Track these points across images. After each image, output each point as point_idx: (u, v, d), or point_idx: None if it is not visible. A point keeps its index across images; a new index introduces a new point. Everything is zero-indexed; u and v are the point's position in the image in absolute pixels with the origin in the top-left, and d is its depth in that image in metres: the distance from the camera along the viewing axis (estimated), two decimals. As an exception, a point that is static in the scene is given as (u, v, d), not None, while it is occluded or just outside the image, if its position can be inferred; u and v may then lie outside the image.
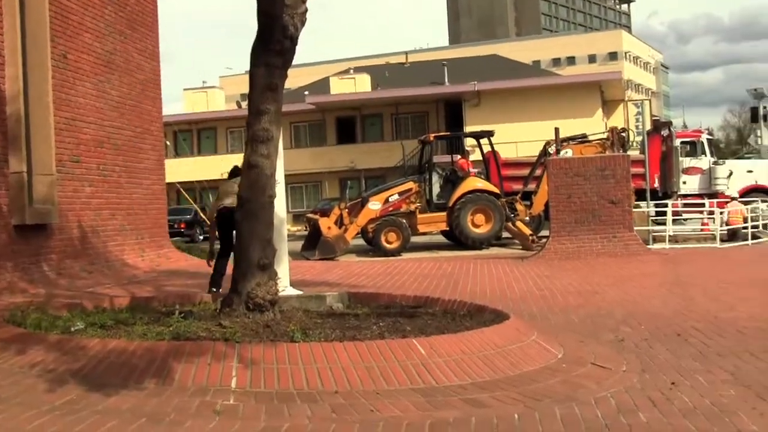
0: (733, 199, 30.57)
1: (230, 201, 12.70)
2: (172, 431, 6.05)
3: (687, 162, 34.93)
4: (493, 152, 30.64)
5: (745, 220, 28.36)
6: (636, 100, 47.97)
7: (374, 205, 27.86)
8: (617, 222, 21.53)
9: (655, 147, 32.67)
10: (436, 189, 29.00)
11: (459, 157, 30.97)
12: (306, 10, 9.38)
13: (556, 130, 30.14)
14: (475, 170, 30.19)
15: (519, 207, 29.10)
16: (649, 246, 24.32)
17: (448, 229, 28.75)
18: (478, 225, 27.90)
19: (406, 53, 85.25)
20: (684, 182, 34.49)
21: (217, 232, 13.79)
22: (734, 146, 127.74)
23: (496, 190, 28.60)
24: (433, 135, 31.82)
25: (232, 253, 10.39)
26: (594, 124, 47.83)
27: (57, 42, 16.45)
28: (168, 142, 29.78)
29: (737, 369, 8.14)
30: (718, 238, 26.83)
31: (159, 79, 21.98)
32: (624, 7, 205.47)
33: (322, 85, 64.45)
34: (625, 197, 21.68)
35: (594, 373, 8.02)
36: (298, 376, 7.10)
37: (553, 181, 21.98)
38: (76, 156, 17.27)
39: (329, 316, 9.69)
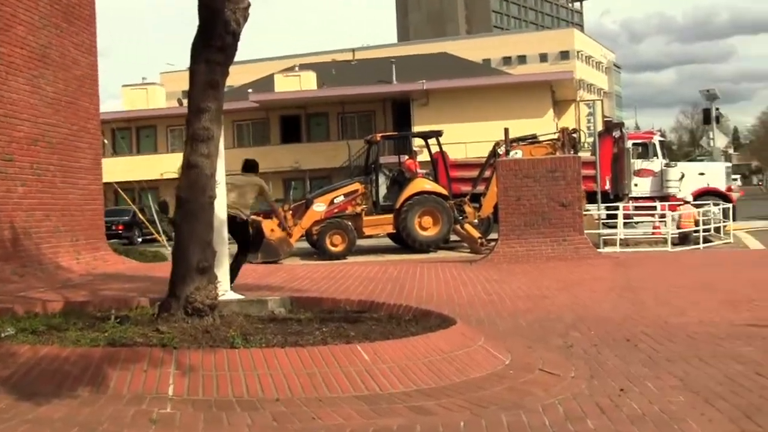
0: (686, 202, 30.93)
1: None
2: (106, 441, 6.00)
3: (639, 164, 35.29)
4: (442, 153, 30.74)
5: (697, 224, 28.70)
6: (587, 101, 48.17)
7: (319, 207, 27.85)
8: (567, 225, 21.63)
9: (607, 148, 32.98)
10: (382, 190, 29.06)
11: (406, 157, 30.98)
12: (249, 5, 9.35)
13: (506, 130, 30.28)
14: (423, 171, 30.24)
15: (468, 209, 29.21)
16: (599, 249, 24.53)
17: (394, 231, 28.80)
18: (426, 227, 27.98)
19: (353, 50, 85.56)
20: (635, 185, 34.85)
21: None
22: (687, 148, 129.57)
23: (445, 192, 28.70)
24: (380, 135, 31.85)
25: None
26: (545, 125, 48.13)
27: (-12, 35, 16.26)
28: (106, 141, 29.53)
29: (686, 375, 8.22)
30: (669, 242, 27.13)
31: (96, 74, 21.76)
32: (576, 5, 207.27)
33: (267, 83, 64.28)
34: (575, 200, 21.79)
35: (542, 380, 8.06)
36: (237, 383, 7.07)
37: (503, 182, 22.05)
38: (9, 154, 17.06)
39: (271, 321, 9.64)
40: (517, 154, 29.20)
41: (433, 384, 7.56)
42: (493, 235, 26.37)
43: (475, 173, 31.73)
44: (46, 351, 7.65)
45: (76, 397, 6.83)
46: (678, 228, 29.07)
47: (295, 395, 7.01)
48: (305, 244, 28.74)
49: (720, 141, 46.38)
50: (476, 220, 29.03)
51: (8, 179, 17.00)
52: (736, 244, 28.57)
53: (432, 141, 30.49)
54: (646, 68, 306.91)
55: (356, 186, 28.75)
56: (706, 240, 28.25)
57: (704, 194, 34.82)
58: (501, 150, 30.08)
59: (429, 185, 28.73)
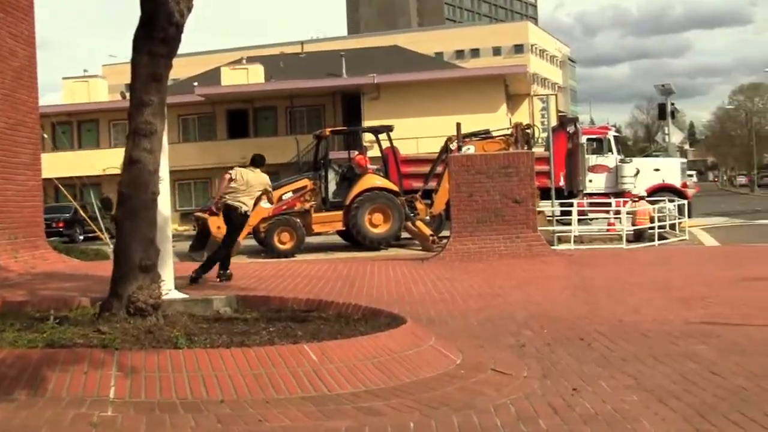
0: (641, 198, 31.19)
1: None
2: (45, 445, 5.96)
3: (593, 160, 35.61)
4: (393, 148, 30.77)
5: (652, 221, 28.96)
6: (542, 95, 48.54)
7: (266, 204, 27.76)
8: (521, 222, 21.71)
9: (561, 144, 33.14)
10: (332, 187, 29.02)
11: (356, 153, 30.99)
12: (193, -5, 9.33)
13: (458, 125, 30.36)
14: (374, 167, 30.26)
15: (419, 206, 29.26)
16: (553, 247, 24.68)
17: (344, 228, 28.82)
18: (376, 225, 28.01)
19: (301, 43, 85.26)
20: (590, 181, 35.14)
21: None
22: (642, 144, 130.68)
23: (396, 188, 28.73)
24: (329, 129, 31.86)
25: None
26: (498, 120, 48.31)
27: None
28: (45, 135, 29.20)
29: (640, 374, 8.29)
30: (624, 239, 27.35)
31: (35, 66, 21.55)
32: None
33: (213, 76, 63.89)
34: (529, 196, 21.87)
35: (494, 380, 8.10)
36: (181, 385, 7.04)
37: (455, 178, 22.09)
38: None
39: (216, 321, 9.62)
40: (469, 149, 29.32)
41: (382, 384, 7.58)
42: (445, 233, 26.42)
43: (426, 169, 31.77)
44: (-19, 353, 7.57)
45: (13, 400, 6.76)
46: (633, 225, 29.32)
47: (240, 397, 6.99)
48: (253, 242, 28.64)
49: (675, 137, 46.81)
50: (428, 217, 29.10)
51: (-57, 175, 16.81)
52: (691, 241, 28.87)
53: (383, 136, 30.52)
54: (601, 62, 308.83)
55: (305, 182, 28.69)
56: (661, 237, 28.53)
57: (659, 190, 35.17)
58: (453, 145, 30.16)
59: (379, 181, 28.75)
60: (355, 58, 62.94)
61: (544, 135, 32.97)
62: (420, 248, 27.22)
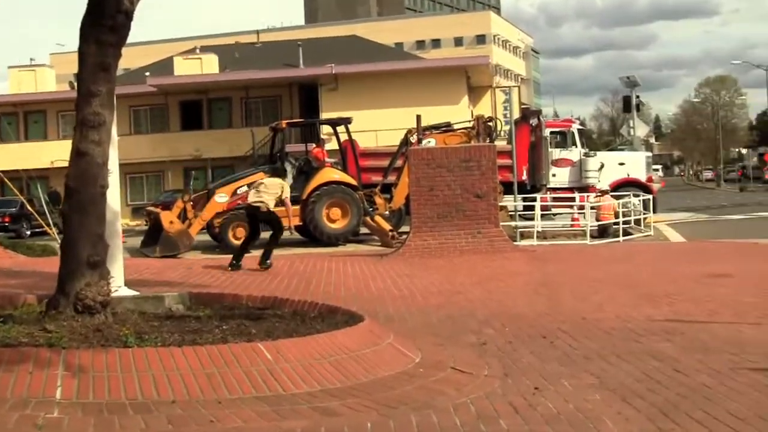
0: (605, 192, 31.36)
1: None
2: (-12, 448, 5.91)
3: (557, 153, 35.77)
4: (351, 141, 30.80)
5: (617, 216, 29.13)
6: (504, 87, 48.61)
7: (221, 198, 27.69)
8: (482, 217, 21.73)
9: (524, 137, 33.27)
10: (288, 180, 28.95)
11: (314, 146, 30.98)
12: (143, -19, 9.28)
13: (418, 117, 30.41)
14: (331, 160, 30.27)
15: (378, 200, 29.30)
16: (516, 242, 24.73)
17: (301, 224, 28.76)
18: (334, 219, 28.02)
19: (257, 32, 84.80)
20: (554, 175, 35.30)
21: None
22: (607, 137, 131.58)
23: (354, 182, 28.74)
24: (285, 122, 31.85)
25: None
26: (459, 112, 48.38)
27: None
28: (-10, 126, 28.99)
29: (603, 372, 8.34)
30: (588, 235, 27.50)
31: (-21, 55, 21.35)
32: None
33: (165, 66, 63.57)
34: (490, 190, 21.89)
35: (453, 379, 8.12)
36: (131, 385, 6.99)
37: (414, 172, 22.08)
38: None
39: (167, 319, 9.58)
40: (430, 142, 29.39)
41: (339, 384, 7.57)
42: (405, 228, 26.46)
43: (386, 162, 31.80)
44: None
45: (-46, 401, 6.70)
46: (597, 220, 29.47)
47: (192, 397, 6.97)
48: (206, 237, 28.55)
49: (641, 130, 47.16)
50: (387, 212, 29.13)
51: None
52: (656, 237, 29.03)
53: (341, 128, 30.53)
54: (565, 54, 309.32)
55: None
56: (625, 232, 28.73)
57: (624, 185, 35.36)
58: (413, 138, 30.22)
59: (337, 175, 28.75)
60: (313, 48, 62.80)
61: (507, 128, 33.06)
62: (379, 244, 27.23)
